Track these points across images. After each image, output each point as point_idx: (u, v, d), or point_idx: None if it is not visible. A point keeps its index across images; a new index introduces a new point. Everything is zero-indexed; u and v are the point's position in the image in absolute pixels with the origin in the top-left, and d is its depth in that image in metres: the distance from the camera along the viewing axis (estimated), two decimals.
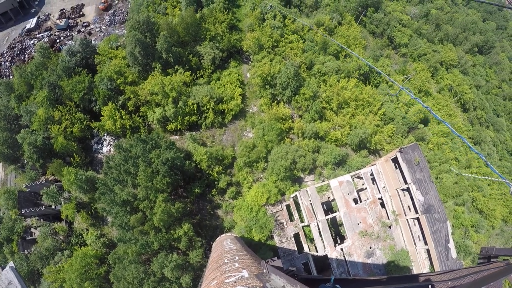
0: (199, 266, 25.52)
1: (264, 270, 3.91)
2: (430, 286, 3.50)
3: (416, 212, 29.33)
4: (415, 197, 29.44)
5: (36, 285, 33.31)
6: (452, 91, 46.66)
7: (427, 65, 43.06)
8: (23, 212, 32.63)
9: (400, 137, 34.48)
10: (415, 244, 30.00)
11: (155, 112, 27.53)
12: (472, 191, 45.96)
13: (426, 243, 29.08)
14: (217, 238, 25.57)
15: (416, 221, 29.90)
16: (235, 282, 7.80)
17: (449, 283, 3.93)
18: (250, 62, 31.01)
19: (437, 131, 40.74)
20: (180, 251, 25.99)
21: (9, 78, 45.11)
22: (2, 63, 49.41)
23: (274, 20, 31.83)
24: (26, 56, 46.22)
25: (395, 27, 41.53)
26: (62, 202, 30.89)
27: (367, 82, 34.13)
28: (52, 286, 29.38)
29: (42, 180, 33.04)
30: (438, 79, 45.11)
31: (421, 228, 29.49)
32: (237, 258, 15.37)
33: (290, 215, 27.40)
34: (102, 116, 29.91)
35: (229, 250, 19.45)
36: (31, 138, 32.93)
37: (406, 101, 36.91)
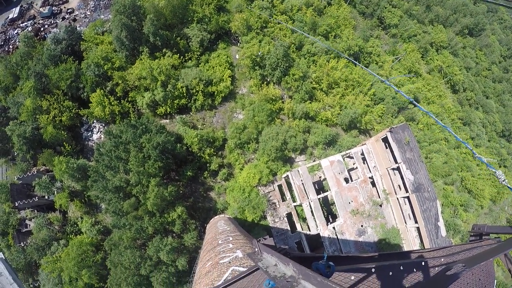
0: (194, 248, 25.93)
1: (256, 249, 3.85)
2: (423, 262, 3.56)
3: (407, 191, 29.97)
4: (405, 176, 30.02)
5: (34, 276, 33.51)
6: (442, 72, 46.97)
7: (417, 46, 43.12)
8: (16, 205, 32.45)
9: (390, 117, 34.86)
10: (405, 223, 30.80)
11: (144, 97, 27.25)
12: (461, 171, 46.96)
13: (416, 222, 29.84)
14: (211, 220, 25.90)
15: (406, 200, 30.60)
16: (230, 262, 7.97)
17: (442, 259, 3.98)
18: (239, 44, 30.68)
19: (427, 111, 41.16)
20: (174, 234, 26.32)
21: None
22: None
23: (263, 0, 31.34)
24: (10, 46, 44.90)
25: (385, 8, 41.25)
26: (55, 192, 30.79)
27: (357, 62, 34.06)
28: (50, 276, 29.59)
29: (34, 171, 32.76)
30: (428, 60, 45.29)
31: (411, 207, 30.21)
32: (231, 239, 15.65)
33: (282, 195, 27.80)
34: (91, 103, 29.53)
35: (223, 231, 19.75)
36: (20, 130, 32.42)
37: (397, 82, 37.11)
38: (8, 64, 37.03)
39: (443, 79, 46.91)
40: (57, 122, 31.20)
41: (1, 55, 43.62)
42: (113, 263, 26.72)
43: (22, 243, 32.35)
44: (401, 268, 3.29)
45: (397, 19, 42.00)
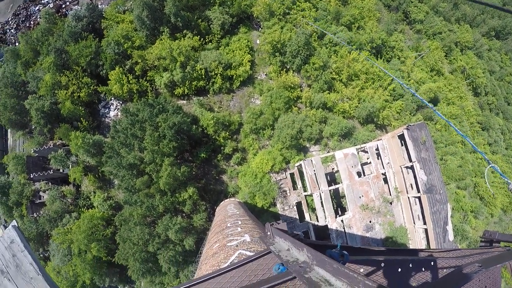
0: (202, 230, 26.14)
1: (268, 233, 3.70)
2: (432, 262, 3.45)
3: (418, 191, 29.36)
4: (419, 176, 29.36)
5: (45, 246, 34.59)
6: (465, 73, 45.35)
7: (441, 44, 41.62)
8: (31, 177, 33.30)
9: (409, 115, 33.95)
10: (414, 223, 30.25)
11: (162, 77, 27.24)
12: (475, 176, 45.75)
13: (425, 223, 29.27)
14: (221, 203, 25.99)
15: (417, 200, 29.99)
16: (237, 246, 7.86)
17: (452, 261, 3.88)
18: (260, 29, 30.21)
19: (446, 112, 39.99)
20: (184, 214, 26.55)
21: (15, 45, 44.75)
22: (8, 30, 48.90)
23: None
24: (32, 22, 45.61)
25: (412, 2, 39.83)
26: (70, 166, 31.42)
27: (378, 56, 33.19)
28: (60, 247, 30.43)
29: (50, 145, 33.46)
30: (451, 59, 43.73)
31: (421, 207, 29.61)
32: (239, 222, 15.57)
33: (294, 183, 27.60)
34: (109, 80, 29.74)
35: (232, 215, 19.73)
36: (39, 104, 33.04)
37: (418, 79, 36.02)
38: (29, 39, 37.63)
39: (465, 80, 45.31)
40: (75, 97, 31.63)
41: (23, 31, 44.37)
42: (122, 238, 27.23)
43: (35, 213, 33.36)
44: (410, 265, 3.18)
45: (423, 14, 40.53)
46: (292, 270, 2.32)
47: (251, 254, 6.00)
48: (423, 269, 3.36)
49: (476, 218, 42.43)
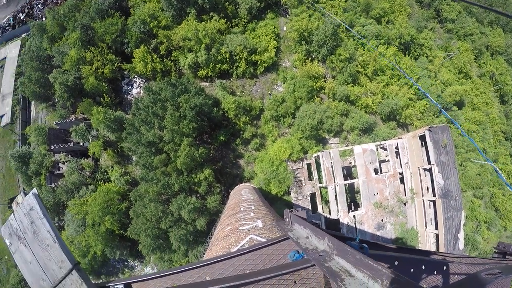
0: (215, 211, 26.37)
1: (287, 219, 3.57)
2: (445, 266, 3.36)
3: (434, 195, 28.68)
4: (436, 179, 28.65)
5: (60, 216, 35.77)
6: (493, 79, 43.45)
7: (472, 46, 39.90)
8: (52, 148, 34.30)
9: (432, 115, 32.93)
10: (426, 226, 29.65)
11: (187, 58, 27.27)
12: (492, 186, 44.25)
13: (437, 228, 28.65)
14: (236, 187, 26.09)
15: (432, 203, 29.31)
16: (249, 230, 7.76)
17: (465, 267, 3.73)
18: (287, 16, 29.71)
19: (470, 117, 38.58)
20: (198, 195, 26.82)
21: (42, 20, 45.67)
22: (35, 5, 49.99)
23: None
24: None
25: (444, 0, 38.21)
26: (90, 140, 32.16)
27: (406, 53, 32.15)
28: (75, 217, 31.34)
29: (72, 118, 34.31)
30: (481, 63, 41.94)
31: (435, 212, 28.95)
32: (253, 208, 15.51)
33: (310, 174, 27.39)
34: (134, 58, 30.03)
35: (246, 199, 19.73)
36: (63, 78, 33.73)
37: (444, 80, 34.77)
38: (56, 15, 38.28)
39: (493, 86, 43.45)
40: (99, 73, 32.16)
41: (50, 6, 45.25)
42: (136, 213, 27.82)
43: (53, 184, 34.47)
44: (423, 267, 3.07)
45: (455, 14, 38.87)
46: (311, 258, 2.26)
47: (263, 240, 5.97)
48: (435, 272, 3.27)
49: (489, 230, 41.23)
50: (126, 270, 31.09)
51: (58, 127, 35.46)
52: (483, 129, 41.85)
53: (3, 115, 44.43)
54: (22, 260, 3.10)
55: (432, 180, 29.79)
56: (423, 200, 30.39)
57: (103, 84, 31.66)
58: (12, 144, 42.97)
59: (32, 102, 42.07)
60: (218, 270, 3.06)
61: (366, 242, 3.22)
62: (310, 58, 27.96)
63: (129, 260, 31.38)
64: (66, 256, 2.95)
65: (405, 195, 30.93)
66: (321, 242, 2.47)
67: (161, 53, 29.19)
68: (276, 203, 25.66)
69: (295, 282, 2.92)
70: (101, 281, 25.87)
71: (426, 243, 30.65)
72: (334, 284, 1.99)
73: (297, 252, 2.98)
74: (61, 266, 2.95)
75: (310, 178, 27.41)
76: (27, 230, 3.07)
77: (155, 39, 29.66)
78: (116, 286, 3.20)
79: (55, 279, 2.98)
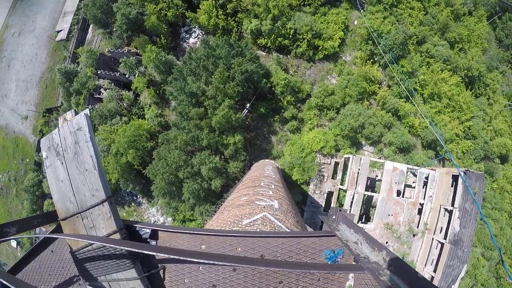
0: (233, 177, 26.87)
1: (334, 217, 3.29)
2: None
3: (445, 238, 27.87)
4: (453, 223, 27.74)
5: None
6: None
7: None
8: (98, 73, 35.66)
9: (472, 160, 31.48)
10: (425, 265, 29.04)
11: (251, 22, 27.18)
12: (504, 252, 42.30)
13: (435, 271, 27.97)
14: (261, 160, 26.37)
15: (439, 245, 28.50)
16: (264, 207, 7.66)
17: None
18: (362, 11, 28.79)
19: (509, 176, 36.59)
20: (222, 157, 27.34)
21: None
22: None
23: None
24: None
25: None
26: (136, 75, 33.18)
27: (469, 87, 30.56)
28: (101, 142, 32.79)
29: (125, 50, 35.40)
30: None
31: (439, 255, 28.18)
32: (273, 186, 15.54)
33: (334, 173, 27.22)
34: (199, 9, 30.26)
35: (268, 176, 19.85)
36: (126, 10, 34.52)
37: (497, 128, 32.93)
38: None
39: None
40: (162, 14, 32.69)
41: None
42: (159, 155, 28.76)
43: (90, 105, 36.05)
44: None
45: None
46: (365, 267, 2.15)
47: (276, 221, 5.84)
48: None
49: None
50: (133, 204, 32.61)
51: (110, 54, 36.73)
52: None
53: (60, 30, 46.46)
54: (54, 177, 2.95)
55: (448, 222, 28.98)
56: (432, 238, 29.69)
57: (163, 25, 32.24)
58: (61, 60, 45.14)
59: (91, 26, 43.60)
60: (251, 245, 2.91)
61: None
62: (371, 60, 27.18)
63: (138, 196, 32.82)
64: (102, 185, 2.81)
65: (418, 227, 30.30)
66: (374, 253, 2.30)
67: (227, 11, 29.22)
68: (292, 189, 25.80)
69: (319, 279, 2.91)
70: None
71: None
72: None
73: (333, 252, 2.88)
74: (94, 194, 2.81)
75: (334, 176, 27.24)
76: (68, 148, 2.89)
77: None
78: (143, 229, 3.05)
79: (84, 205, 2.84)
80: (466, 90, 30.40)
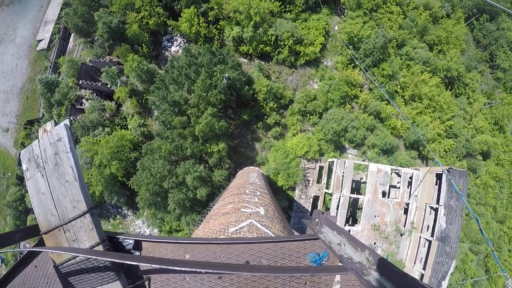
0: (218, 186, 26.63)
1: (317, 220, 3.37)
2: None
3: (432, 235, 28.32)
4: (439, 221, 28.24)
5: None
6: None
7: None
8: (80, 83, 34.93)
9: (455, 157, 32.13)
10: (414, 263, 29.37)
11: (232, 30, 27.18)
12: (492, 245, 43.33)
13: (424, 268, 28.34)
14: (245, 168, 26.23)
15: (427, 243, 28.94)
16: (250, 214, 7.65)
17: None
18: (342, 16, 29.15)
19: (491, 171, 37.48)
20: (207, 165, 27.10)
21: None
22: None
23: None
24: None
25: (502, 47, 36.71)
26: (118, 84, 32.67)
27: (449, 88, 31.25)
28: (84, 154, 32.05)
29: (106, 59, 34.84)
30: None
31: (427, 252, 28.62)
32: (258, 193, 15.47)
33: (319, 177, 27.30)
34: (181, 17, 30.11)
35: (253, 183, 19.72)
36: (107, 18, 34.05)
37: (478, 126, 33.74)
38: None
39: None
40: (143, 23, 32.40)
41: None
42: (143, 166, 28.27)
43: (72, 117, 35.26)
44: None
45: (508, 63, 37.37)
46: (349, 268, 2.18)
47: (262, 227, 5.80)
48: None
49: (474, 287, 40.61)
50: (118, 216, 31.94)
51: (91, 64, 36.10)
52: (500, 187, 40.64)
53: (42, 39, 45.48)
54: (35, 189, 2.89)
55: (435, 220, 29.43)
56: (420, 236, 30.06)
57: (145, 34, 31.93)
58: (42, 70, 44.10)
59: (72, 35, 42.81)
60: (236, 252, 2.89)
61: None
62: (352, 64, 27.52)
63: (123, 208, 32.18)
64: (83, 197, 2.75)
65: (405, 227, 30.62)
66: (357, 253, 2.34)
67: (209, 18, 29.16)
68: (278, 195, 25.74)
69: (305, 283, 2.90)
70: None
71: None
72: None
73: (318, 254, 2.90)
74: (76, 206, 2.76)
75: (319, 181, 27.32)
76: (48, 160, 2.82)
77: (207, 4, 29.60)
78: (126, 240, 3.01)
79: (65, 217, 2.79)
80: (446, 91, 31.07)
